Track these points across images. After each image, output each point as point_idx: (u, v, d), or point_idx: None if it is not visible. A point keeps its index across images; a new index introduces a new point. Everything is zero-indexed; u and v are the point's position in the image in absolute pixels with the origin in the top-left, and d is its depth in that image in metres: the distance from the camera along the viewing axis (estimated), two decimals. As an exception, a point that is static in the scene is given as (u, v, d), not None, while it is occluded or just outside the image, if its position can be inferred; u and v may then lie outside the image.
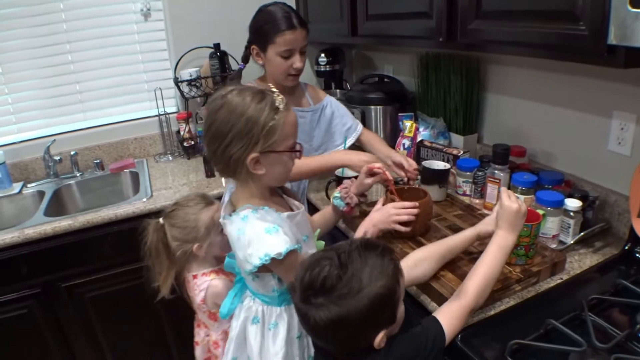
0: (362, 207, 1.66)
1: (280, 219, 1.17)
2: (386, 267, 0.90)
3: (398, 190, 1.48)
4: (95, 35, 2.52)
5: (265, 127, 1.09)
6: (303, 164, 1.56)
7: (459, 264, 1.30)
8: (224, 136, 1.09)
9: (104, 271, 2.06)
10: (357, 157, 1.64)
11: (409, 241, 1.44)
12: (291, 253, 1.09)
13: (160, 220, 1.51)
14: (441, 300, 1.19)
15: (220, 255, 1.55)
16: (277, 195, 1.30)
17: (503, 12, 1.36)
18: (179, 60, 2.54)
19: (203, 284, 1.51)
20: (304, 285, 0.89)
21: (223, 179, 1.97)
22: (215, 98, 1.14)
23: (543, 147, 1.78)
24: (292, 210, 1.28)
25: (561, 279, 1.28)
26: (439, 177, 1.70)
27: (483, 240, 1.27)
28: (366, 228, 1.39)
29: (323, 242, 1.44)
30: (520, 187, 1.50)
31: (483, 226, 1.28)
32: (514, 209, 1.13)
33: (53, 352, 2.13)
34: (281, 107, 1.12)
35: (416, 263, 1.22)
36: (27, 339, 2.07)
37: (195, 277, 1.54)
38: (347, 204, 1.48)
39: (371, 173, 1.48)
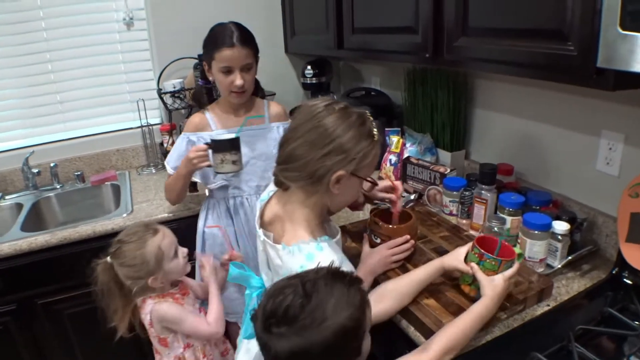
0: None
1: (335, 246, 1.16)
2: (352, 298, 0.87)
3: (382, 212, 1.44)
4: (77, 44, 2.47)
5: (362, 150, 1.09)
6: None
7: (441, 289, 1.27)
8: (325, 145, 1.07)
9: (82, 288, 1.96)
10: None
11: (396, 269, 1.39)
12: None
13: (108, 259, 1.43)
14: (423, 329, 1.15)
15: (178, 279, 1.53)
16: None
17: (489, 30, 1.33)
18: (163, 71, 2.49)
19: (147, 307, 1.46)
20: (266, 313, 0.86)
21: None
22: (316, 105, 1.12)
23: (531, 165, 1.75)
24: (329, 229, 1.27)
25: (548, 305, 1.24)
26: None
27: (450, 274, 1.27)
28: (364, 276, 1.31)
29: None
30: (507, 209, 1.47)
31: (451, 260, 1.24)
32: (505, 288, 1.13)
33: (28, 368, 2.07)
34: (376, 136, 1.13)
35: (380, 298, 1.19)
36: (2, 356, 2.02)
37: (143, 301, 1.48)
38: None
39: (387, 190, 1.46)
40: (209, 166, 1.67)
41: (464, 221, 1.65)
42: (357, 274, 1.30)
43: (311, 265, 1.06)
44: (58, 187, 2.45)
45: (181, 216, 2.07)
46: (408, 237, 1.36)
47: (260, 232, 1.24)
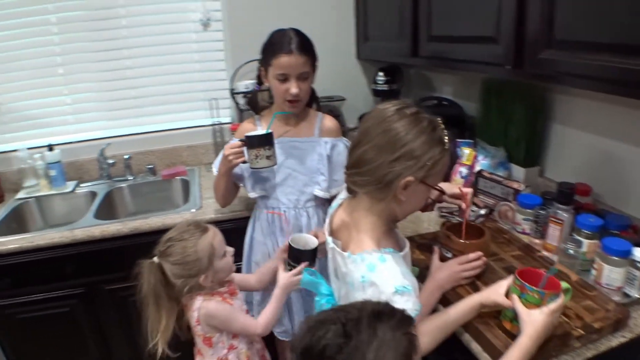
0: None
1: (402, 260, 1.13)
2: (398, 343, 0.79)
3: (454, 226, 1.40)
4: (155, 42, 2.56)
5: (433, 157, 1.07)
6: None
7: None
8: (393, 151, 1.06)
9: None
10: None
11: (466, 286, 1.35)
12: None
13: (155, 259, 1.42)
14: (494, 351, 1.11)
15: (225, 279, 1.52)
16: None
17: (578, 43, 1.26)
18: (236, 71, 2.54)
19: (196, 304, 1.45)
20: (303, 347, 0.80)
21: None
22: (387, 108, 1.11)
23: (610, 186, 1.66)
24: (397, 240, 1.24)
25: (623, 337, 1.17)
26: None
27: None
28: (431, 290, 1.30)
29: (417, 269, 1.40)
30: (584, 231, 1.40)
31: (490, 294, 1.18)
32: (548, 322, 1.07)
33: (91, 351, 2.18)
34: (447, 144, 1.10)
35: (430, 334, 1.16)
36: (67, 336, 2.12)
37: (192, 297, 1.48)
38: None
39: (457, 197, 1.42)
40: (244, 162, 1.67)
41: (537, 241, 1.58)
42: (428, 290, 1.31)
43: (373, 277, 1.05)
44: (130, 178, 2.54)
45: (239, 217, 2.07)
46: (480, 253, 1.32)
47: (329, 239, 1.24)
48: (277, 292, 1.52)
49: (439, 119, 1.13)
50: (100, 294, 2.08)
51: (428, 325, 1.17)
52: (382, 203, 1.13)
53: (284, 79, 1.64)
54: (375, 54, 2.53)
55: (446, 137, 1.10)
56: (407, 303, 1.01)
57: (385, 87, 2.46)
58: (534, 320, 1.05)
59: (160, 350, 1.43)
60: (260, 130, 1.67)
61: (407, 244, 1.24)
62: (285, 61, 1.61)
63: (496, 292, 1.16)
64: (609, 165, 1.65)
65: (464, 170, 1.95)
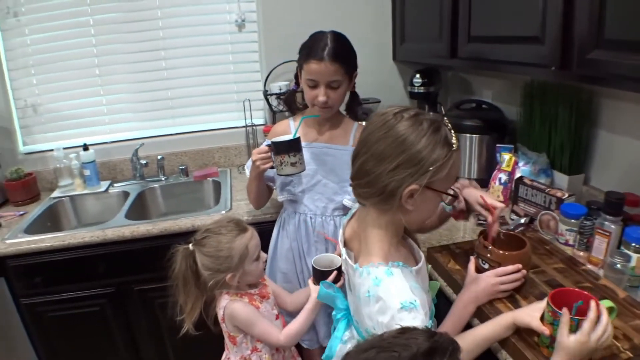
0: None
1: (411, 275, 1.07)
2: None
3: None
4: (190, 43, 2.57)
5: (437, 161, 0.99)
6: None
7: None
8: (391, 160, 1.00)
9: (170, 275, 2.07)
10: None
11: (503, 299, 1.26)
12: None
13: (190, 246, 1.43)
14: (534, 372, 1.03)
15: (253, 282, 1.50)
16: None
17: (629, 43, 1.17)
18: (270, 72, 2.51)
19: (223, 302, 1.46)
20: None
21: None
22: (384, 114, 1.05)
23: (662, 197, 1.55)
24: (412, 250, 1.20)
25: (679, 361, 1.08)
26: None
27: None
28: (465, 303, 1.23)
29: (438, 283, 1.34)
30: (634, 244, 1.30)
31: (523, 316, 1.10)
32: (585, 348, 0.97)
33: (120, 351, 2.19)
34: (454, 144, 1.03)
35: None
36: (96, 335, 2.14)
37: (221, 294, 1.48)
38: (454, 207, 1.37)
39: (486, 207, 1.33)
40: (272, 167, 1.64)
41: (581, 253, 1.49)
42: (462, 302, 1.24)
43: (379, 291, 1.00)
44: (163, 179, 2.55)
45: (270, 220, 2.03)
46: (520, 266, 1.23)
47: (343, 250, 1.18)
48: (308, 306, 1.50)
49: (445, 118, 1.06)
50: (130, 294, 2.09)
51: (462, 344, 1.09)
52: (388, 214, 1.07)
53: (314, 85, 1.60)
54: (412, 55, 2.47)
55: (453, 136, 1.03)
56: (414, 320, 0.96)
57: (422, 90, 2.40)
58: (566, 347, 0.97)
59: (185, 328, 1.46)
60: (289, 135, 1.63)
61: (423, 257, 1.18)
62: (314, 68, 1.57)
63: (530, 315, 1.08)
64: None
65: (503, 177, 1.87)
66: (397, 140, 0.99)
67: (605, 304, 1.02)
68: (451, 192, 1.09)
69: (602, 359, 1.02)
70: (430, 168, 0.99)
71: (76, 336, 2.12)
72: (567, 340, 0.97)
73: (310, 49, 1.59)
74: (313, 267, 1.50)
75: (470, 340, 1.10)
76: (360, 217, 1.16)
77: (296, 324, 1.49)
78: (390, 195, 1.02)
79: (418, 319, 0.97)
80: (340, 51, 1.59)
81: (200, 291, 1.46)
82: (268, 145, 1.62)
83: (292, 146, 1.58)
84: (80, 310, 2.07)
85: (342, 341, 1.26)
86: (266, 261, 1.53)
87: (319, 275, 1.47)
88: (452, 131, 1.04)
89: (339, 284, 1.44)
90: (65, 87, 2.53)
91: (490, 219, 1.30)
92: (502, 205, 1.33)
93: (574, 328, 0.98)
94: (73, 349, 2.14)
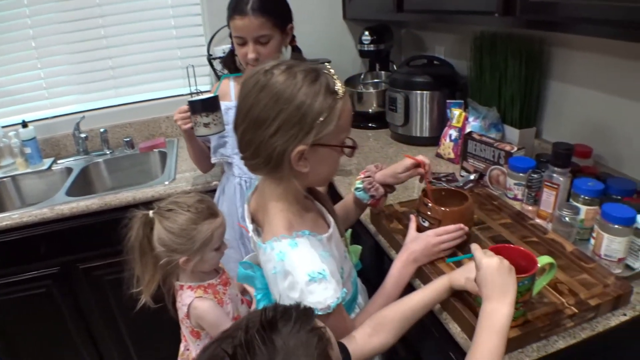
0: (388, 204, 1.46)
1: (320, 243, 0.99)
2: (307, 346, 0.64)
3: (434, 192, 1.26)
4: (129, 9, 2.43)
5: (320, 115, 0.89)
6: None
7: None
8: (269, 123, 0.89)
9: (121, 255, 1.97)
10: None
11: (445, 257, 1.21)
12: (339, 305, 0.94)
13: (150, 213, 1.28)
14: (472, 332, 0.98)
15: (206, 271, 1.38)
16: (308, 199, 1.11)
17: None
18: (213, 36, 2.40)
19: (187, 299, 1.32)
20: None
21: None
22: (256, 73, 0.93)
23: (613, 148, 1.51)
24: (321, 214, 1.11)
25: (624, 315, 1.03)
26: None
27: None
28: (404, 264, 1.16)
29: (359, 247, 1.28)
30: (582, 196, 1.26)
31: (458, 277, 1.03)
32: (495, 265, 0.89)
33: (71, 331, 2.12)
34: (339, 91, 0.92)
35: (380, 328, 0.99)
36: (45, 317, 2.07)
37: (181, 287, 1.35)
38: (372, 196, 1.28)
39: (409, 169, 1.26)
40: (192, 128, 1.57)
41: (530, 208, 1.44)
42: (400, 261, 1.18)
43: (285, 266, 0.92)
44: (108, 152, 2.45)
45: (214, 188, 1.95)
46: (461, 225, 1.17)
47: (250, 226, 1.07)
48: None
49: (324, 64, 0.96)
50: (76, 273, 2.01)
51: (394, 312, 1.02)
52: (283, 182, 0.98)
53: (242, 42, 1.51)
54: (361, 12, 2.37)
55: (337, 83, 0.92)
56: (325, 291, 0.90)
57: (372, 48, 2.31)
58: (484, 272, 0.90)
59: (143, 301, 1.32)
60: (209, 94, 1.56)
61: (333, 222, 1.09)
62: (239, 24, 1.47)
63: (465, 277, 1.01)
64: (612, 125, 1.51)
65: (453, 133, 1.81)
66: (272, 100, 0.89)
67: (544, 260, 0.95)
68: (349, 142, 1.00)
69: (546, 315, 0.98)
70: (314, 124, 0.90)
71: (25, 320, 2.04)
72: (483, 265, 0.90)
73: (232, 5, 1.50)
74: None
75: (408, 308, 1.03)
76: (260, 189, 1.06)
77: None
78: (278, 162, 0.92)
79: (329, 289, 0.91)
80: (265, 3, 1.48)
81: (156, 264, 1.31)
82: (188, 105, 1.55)
83: (206, 106, 1.50)
84: (26, 293, 1.99)
85: None
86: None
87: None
88: (335, 77, 0.93)
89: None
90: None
91: (423, 172, 1.25)
92: (428, 160, 1.27)
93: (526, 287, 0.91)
94: (24, 333, 2.07)
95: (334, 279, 0.93)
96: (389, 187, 1.32)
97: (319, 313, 0.89)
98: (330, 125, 0.91)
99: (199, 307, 1.31)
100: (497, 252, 0.93)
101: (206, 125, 1.50)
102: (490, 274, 0.88)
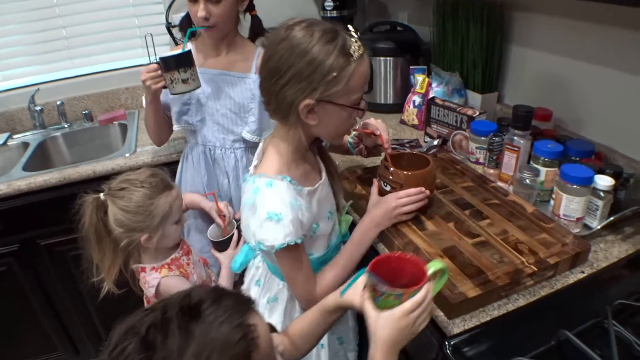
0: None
1: (299, 195, 1.04)
2: (225, 343, 0.60)
3: (394, 156, 1.26)
4: (81, -26, 2.30)
5: (330, 73, 0.94)
6: None
7: (460, 250, 1.09)
8: (282, 74, 0.95)
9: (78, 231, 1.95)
10: None
11: (408, 221, 1.22)
12: (289, 247, 0.99)
13: (101, 195, 1.23)
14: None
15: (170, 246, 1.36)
16: (312, 152, 1.16)
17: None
18: (172, 3, 2.30)
19: (153, 281, 1.29)
20: None
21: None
22: (279, 27, 0.99)
23: (572, 111, 1.53)
24: (317, 169, 1.16)
25: (582, 272, 1.07)
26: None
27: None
28: (367, 228, 1.17)
29: (350, 218, 1.29)
30: (542, 158, 1.28)
31: (347, 292, 0.88)
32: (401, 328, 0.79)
33: (36, 309, 2.07)
34: (355, 53, 0.95)
35: (301, 336, 0.96)
36: (8, 296, 2.01)
37: (143, 269, 1.31)
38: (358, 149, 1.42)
39: (367, 134, 1.30)
40: (165, 87, 1.50)
41: (492, 171, 1.46)
42: (363, 225, 1.18)
43: (256, 200, 1.00)
44: (66, 126, 2.36)
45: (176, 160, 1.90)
46: (422, 188, 1.18)
47: (255, 161, 1.15)
48: (224, 273, 1.45)
49: (346, 26, 0.99)
50: (37, 249, 1.96)
51: (308, 322, 0.97)
52: (291, 129, 1.03)
53: (194, 0, 1.44)
54: (322, -25, 2.32)
55: (354, 46, 0.95)
56: (275, 232, 0.97)
57: (334, 14, 2.27)
58: (380, 333, 0.78)
59: (105, 289, 1.29)
60: (178, 50, 1.48)
61: (321, 181, 1.13)
62: None
63: (354, 292, 0.86)
64: (571, 88, 1.53)
65: (417, 99, 1.81)
66: (287, 53, 0.94)
67: (436, 265, 0.84)
68: (362, 105, 1.04)
69: (506, 274, 1.00)
70: (323, 80, 0.94)
71: (-11, 299, 1.99)
72: (383, 318, 0.79)
73: None
74: (211, 241, 1.50)
75: (298, 331, 0.97)
76: (273, 132, 1.12)
77: None
78: (287, 112, 0.99)
79: (280, 232, 0.97)
80: None
81: (115, 249, 1.27)
82: (157, 63, 1.47)
83: (182, 61, 1.43)
84: (-14, 272, 1.92)
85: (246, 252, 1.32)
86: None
87: (218, 247, 1.49)
88: (356, 40, 0.97)
89: (241, 242, 1.47)
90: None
91: (381, 141, 1.27)
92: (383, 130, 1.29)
93: (397, 303, 0.79)
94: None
95: (293, 226, 0.98)
96: (375, 148, 1.39)
97: (264, 247, 0.99)
98: (339, 84, 0.95)
99: (169, 285, 1.29)
100: (386, 262, 0.86)
101: (184, 81, 1.44)
102: (392, 337, 0.78)
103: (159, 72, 1.47)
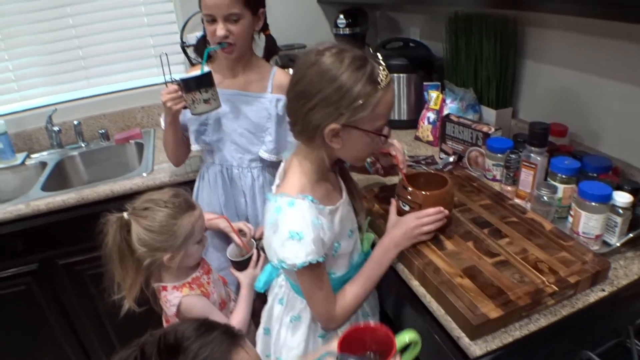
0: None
1: (321, 214, 1.06)
2: None
3: (412, 176, 1.26)
4: (96, -4, 2.36)
5: (357, 100, 0.96)
6: None
7: (480, 269, 1.09)
8: (309, 98, 0.98)
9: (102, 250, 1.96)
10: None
11: (427, 241, 1.22)
12: (310, 266, 1.01)
13: (125, 215, 1.26)
14: (456, 314, 0.99)
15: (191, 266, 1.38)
16: (333, 172, 1.18)
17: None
18: (186, 23, 2.35)
19: (174, 299, 1.30)
20: None
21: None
22: (309, 52, 1.02)
23: (588, 126, 1.53)
24: (338, 189, 1.18)
25: (603, 290, 1.06)
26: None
27: None
28: (386, 249, 1.18)
29: (372, 236, 1.30)
30: (560, 175, 1.28)
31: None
32: None
33: (54, 328, 2.09)
34: (382, 81, 0.98)
35: None
36: (27, 315, 2.03)
37: (164, 288, 1.33)
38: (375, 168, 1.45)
39: (384, 154, 1.32)
40: (185, 107, 1.52)
41: (509, 188, 1.46)
42: (382, 246, 1.19)
43: (278, 219, 1.02)
44: (83, 145, 2.39)
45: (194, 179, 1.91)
46: (440, 208, 1.18)
47: (277, 181, 1.19)
48: (243, 293, 1.46)
49: (374, 55, 1.02)
50: (55, 269, 1.98)
51: None
52: (315, 150, 1.06)
53: (212, 19, 1.47)
54: (334, -7, 2.35)
55: (381, 74, 0.98)
56: (297, 250, 0.99)
57: (347, 31, 2.29)
58: None
59: (126, 307, 1.31)
60: (198, 71, 1.50)
61: (341, 200, 1.15)
62: (209, 0, 1.44)
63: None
64: (586, 103, 1.53)
65: (431, 116, 1.82)
66: (316, 78, 0.97)
67: (407, 336, 0.85)
68: (385, 131, 1.06)
69: (527, 294, 1.00)
70: (349, 107, 0.96)
71: (7, 319, 2.01)
72: None
73: None
74: (231, 261, 1.51)
75: None
76: (296, 151, 1.15)
77: (240, 313, 1.44)
78: (312, 134, 1.01)
79: (302, 250, 0.99)
80: None
81: (138, 267, 1.29)
82: (177, 83, 1.49)
83: (203, 81, 1.46)
84: (5, 291, 1.94)
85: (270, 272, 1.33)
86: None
87: (238, 266, 1.50)
88: (383, 68, 0.99)
89: (261, 261, 1.50)
90: (-36, 55, 2.30)
91: (396, 162, 1.28)
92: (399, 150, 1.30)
93: None
94: (5, 333, 2.03)
95: (314, 245, 1.00)
96: (391, 168, 1.40)
97: (286, 266, 1.01)
98: (365, 111, 0.97)
99: (188, 304, 1.31)
100: (354, 335, 0.87)
101: (206, 101, 1.47)
102: None
103: (179, 93, 1.49)
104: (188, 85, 1.45)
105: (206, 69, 1.48)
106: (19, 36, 2.33)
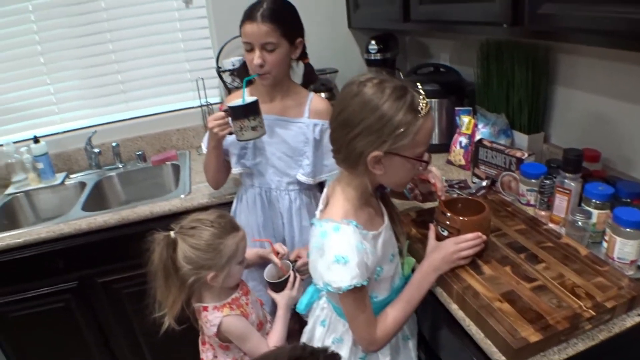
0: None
1: (364, 239, 1.09)
2: None
3: (449, 201, 1.30)
4: (136, 23, 2.45)
5: (399, 128, 1.01)
6: None
7: (519, 294, 1.11)
8: (352, 127, 1.03)
9: (140, 268, 1.98)
10: None
11: (466, 266, 1.24)
12: (354, 290, 1.04)
13: (172, 234, 1.30)
14: (496, 337, 1.01)
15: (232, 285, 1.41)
16: (375, 198, 1.21)
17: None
18: (222, 48, 2.42)
19: (215, 319, 1.34)
20: None
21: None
22: (351, 83, 1.06)
23: (621, 151, 1.54)
24: (380, 214, 1.21)
25: (639, 315, 1.07)
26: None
27: None
28: (426, 273, 1.21)
29: (413, 260, 1.32)
30: (594, 201, 1.29)
31: None
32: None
33: (90, 345, 2.13)
34: (422, 110, 1.03)
35: None
36: (64, 331, 2.08)
37: (205, 309, 1.37)
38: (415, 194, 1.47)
39: (422, 180, 1.37)
40: (231, 133, 1.56)
41: (543, 213, 1.48)
42: (422, 271, 1.22)
43: (323, 243, 1.06)
44: (120, 166, 2.47)
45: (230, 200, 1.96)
46: (479, 233, 1.21)
47: (321, 206, 1.22)
48: (280, 314, 1.49)
49: (414, 84, 1.06)
50: (94, 287, 2.03)
51: None
52: (358, 177, 1.10)
53: (250, 48, 1.53)
54: (367, 21, 2.40)
55: (421, 103, 1.03)
56: (343, 274, 1.03)
57: (378, 57, 2.34)
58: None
59: (166, 324, 1.34)
60: (249, 98, 1.56)
61: (384, 225, 1.18)
62: (248, 29, 1.49)
63: None
64: (618, 129, 1.54)
65: (463, 140, 1.84)
66: (359, 108, 1.01)
67: None
68: (425, 157, 1.10)
69: (565, 319, 1.01)
70: (391, 135, 1.00)
71: (44, 335, 2.06)
72: None
73: (245, 12, 1.52)
74: (268, 282, 1.53)
75: None
76: (339, 177, 1.18)
77: (277, 334, 1.46)
78: (355, 161, 1.06)
79: (347, 274, 1.03)
80: (275, 11, 1.50)
81: (182, 285, 1.33)
82: (225, 111, 1.54)
83: (251, 109, 1.50)
84: (44, 308, 2.00)
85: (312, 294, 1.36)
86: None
87: (275, 287, 1.52)
88: (423, 97, 1.04)
89: (297, 283, 1.53)
90: (9, 79, 2.40)
91: (435, 189, 1.33)
92: (435, 173, 1.35)
93: None
94: (44, 348, 2.08)
95: (359, 269, 1.03)
96: (430, 194, 1.43)
97: (331, 289, 1.04)
98: (406, 138, 1.02)
99: (228, 324, 1.34)
100: None
101: (254, 128, 1.51)
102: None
103: (227, 120, 1.54)
104: (236, 113, 1.50)
105: (252, 98, 1.53)
106: (61, 61, 2.43)
